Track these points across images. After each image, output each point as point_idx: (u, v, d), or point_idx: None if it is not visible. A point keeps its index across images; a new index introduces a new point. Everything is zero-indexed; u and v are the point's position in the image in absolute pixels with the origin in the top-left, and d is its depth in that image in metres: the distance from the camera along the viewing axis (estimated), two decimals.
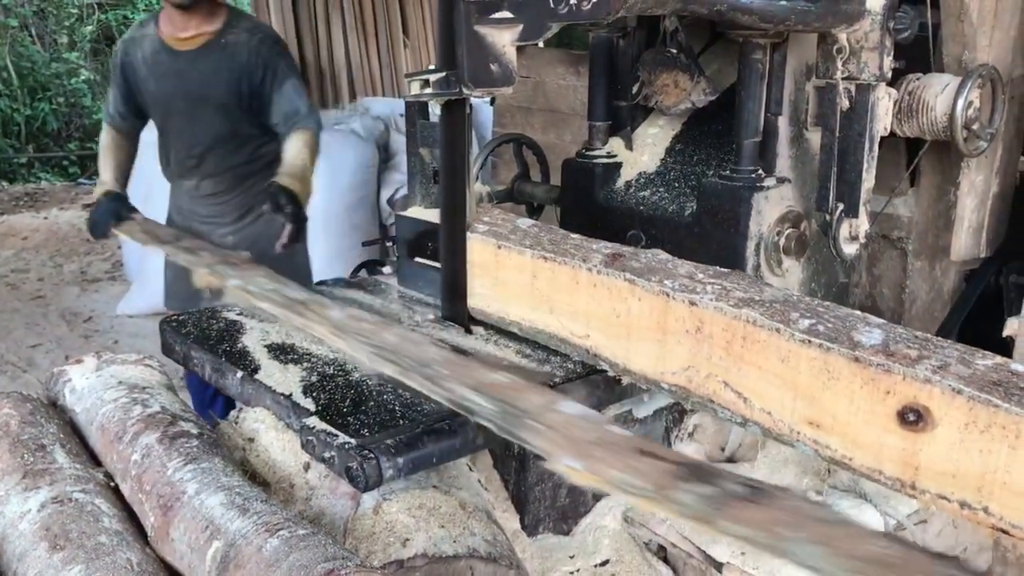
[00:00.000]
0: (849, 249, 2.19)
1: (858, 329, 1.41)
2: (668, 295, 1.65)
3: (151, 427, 1.58)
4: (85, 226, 3.14)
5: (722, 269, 1.68)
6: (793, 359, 1.45)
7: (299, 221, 2.88)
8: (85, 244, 7.07)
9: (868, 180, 2.13)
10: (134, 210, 2.98)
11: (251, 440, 1.73)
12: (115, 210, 2.94)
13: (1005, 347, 2.41)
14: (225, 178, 3.20)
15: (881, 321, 1.44)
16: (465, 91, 1.82)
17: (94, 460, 1.69)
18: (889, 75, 2.12)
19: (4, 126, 10.00)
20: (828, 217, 2.16)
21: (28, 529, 1.42)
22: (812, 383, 1.45)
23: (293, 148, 3.01)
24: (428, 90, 1.90)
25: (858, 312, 1.48)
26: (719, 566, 1.82)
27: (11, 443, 1.62)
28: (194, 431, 1.57)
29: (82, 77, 10.72)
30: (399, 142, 5.71)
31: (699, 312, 1.59)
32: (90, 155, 9.48)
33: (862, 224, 2.15)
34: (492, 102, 5.20)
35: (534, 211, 3.02)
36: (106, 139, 3.26)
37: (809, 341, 1.42)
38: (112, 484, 1.59)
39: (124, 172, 3.21)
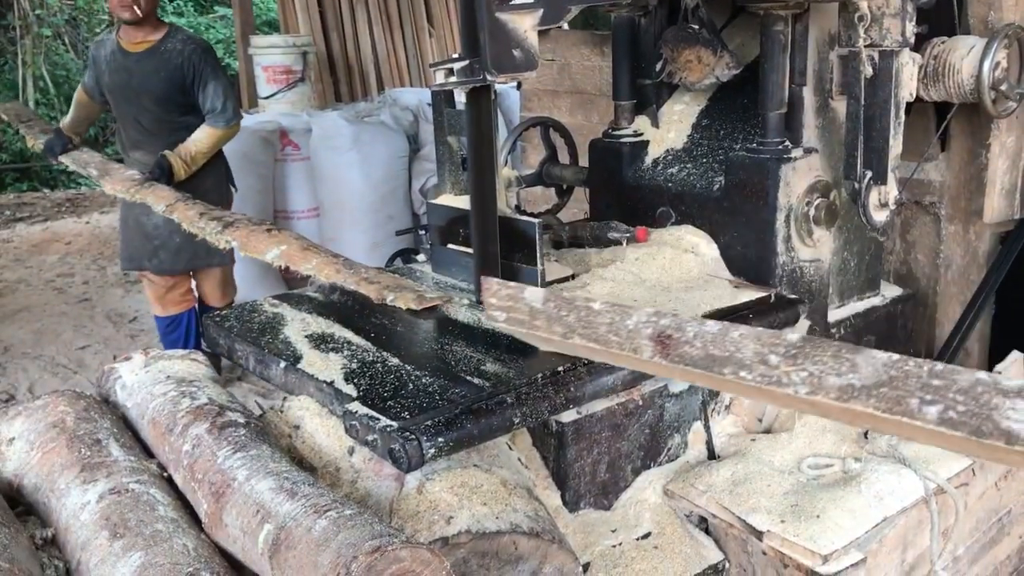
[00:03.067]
0: (879, 216, 2.19)
1: (999, 409, 1.00)
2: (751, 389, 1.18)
3: (200, 418, 1.63)
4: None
5: (791, 339, 1.17)
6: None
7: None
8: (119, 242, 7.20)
9: (896, 147, 2.13)
10: (76, 147, 3.77)
11: (296, 427, 1.78)
12: (63, 144, 3.74)
13: None
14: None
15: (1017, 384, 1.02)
16: (489, 77, 1.85)
17: (146, 452, 1.75)
18: (912, 40, 2.12)
19: None
20: (857, 185, 2.16)
21: (89, 519, 1.48)
22: None
23: (196, 135, 3.81)
24: (453, 78, 1.93)
25: (981, 374, 1.03)
26: (759, 535, 1.84)
27: (68, 439, 1.68)
28: (241, 420, 1.62)
29: None
30: (428, 132, 5.73)
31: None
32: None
33: (891, 191, 2.15)
34: (519, 87, 5.23)
35: (563, 193, 3.05)
36: (76, 96, 4.12)
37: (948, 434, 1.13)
38: (165, 474, 1.64)
39: (77, 124, 4.01)
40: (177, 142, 3.80)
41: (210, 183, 3.96)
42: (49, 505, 1.59)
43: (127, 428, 1.81)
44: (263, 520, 1.31)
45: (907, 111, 2.26)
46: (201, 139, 3.83)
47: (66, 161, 3.74)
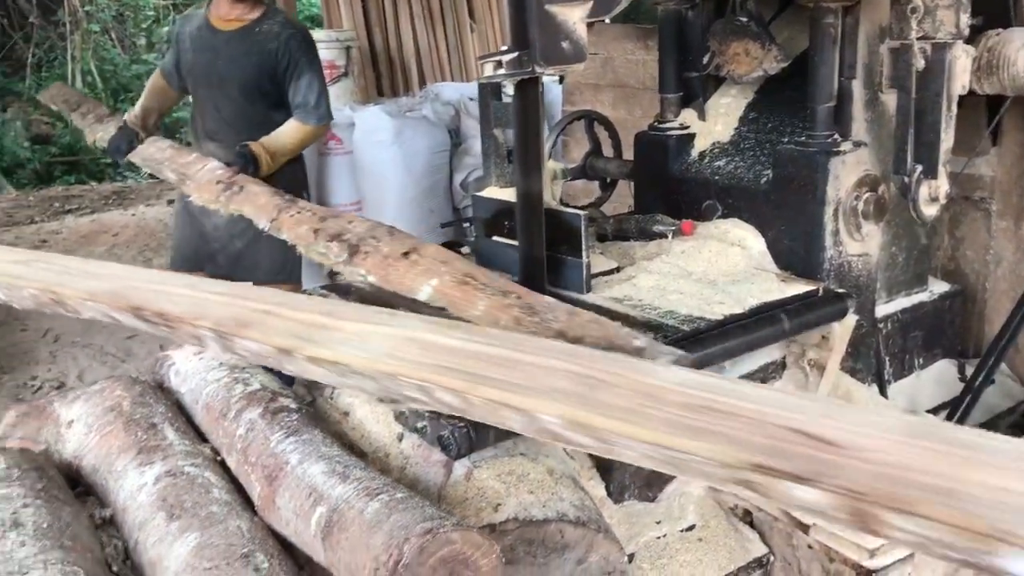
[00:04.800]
0: (929, 211, 2.17)
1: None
2: None
3: (253, 404, 1.66)
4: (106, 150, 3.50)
5: None
6: None
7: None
8: (172, 238, 7.32)
9: (947, 140, 2.11)
10: (142, 142, 3.23)
11: (346, 414, 1.81)
12: (129, 141, 3.30)
13: None
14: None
15: None
16: (538, 69, 1.86)
17: (200, 437, 1.78)
18: (967, 32, 2.09)
19: None
20: (907, 179, 2.14)
21: (146, 500, 1.52)
22: None
23: (283, 129, 3.35)
24: (501, 71, 1.94)
25: None
26: (805, 528, 1.84)
27: (125, 422, 1.72)
28: (293, 406, 1.65)
29: None
30: (469, 126, 5.75)
31: None
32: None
33: (942, 185, 2.13)
34: (561, 80, 5.23)
35: (607, 186, 3.05)
36: (150, 81, 3.70)
37: None
38: (218, 458, 1.68)
39: (148, 114, 3.59)
40: (257, 137, 3.33)
41: (287, 187, 3.55)
42: (107, 486, 1.63)
43: (181, 413, 1.85)
44: (316, 503, 1.34)
45: (958, 105, 2.23)
46: (289, 134, 3.36)
47: (135, 161, 3.22)
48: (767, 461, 0.98)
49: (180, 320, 1.53)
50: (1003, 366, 2.73)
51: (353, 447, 1.72)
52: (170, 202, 3.57)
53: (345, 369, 1.31)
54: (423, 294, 1.72)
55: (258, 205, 2.31)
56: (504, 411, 1.14)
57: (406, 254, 1.80)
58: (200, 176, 2.64)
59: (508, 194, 2.30)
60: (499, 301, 1.60)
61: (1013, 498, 0.89)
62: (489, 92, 2.37)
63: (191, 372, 1.94)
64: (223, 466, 1.66)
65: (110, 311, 1.59)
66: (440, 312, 1.66)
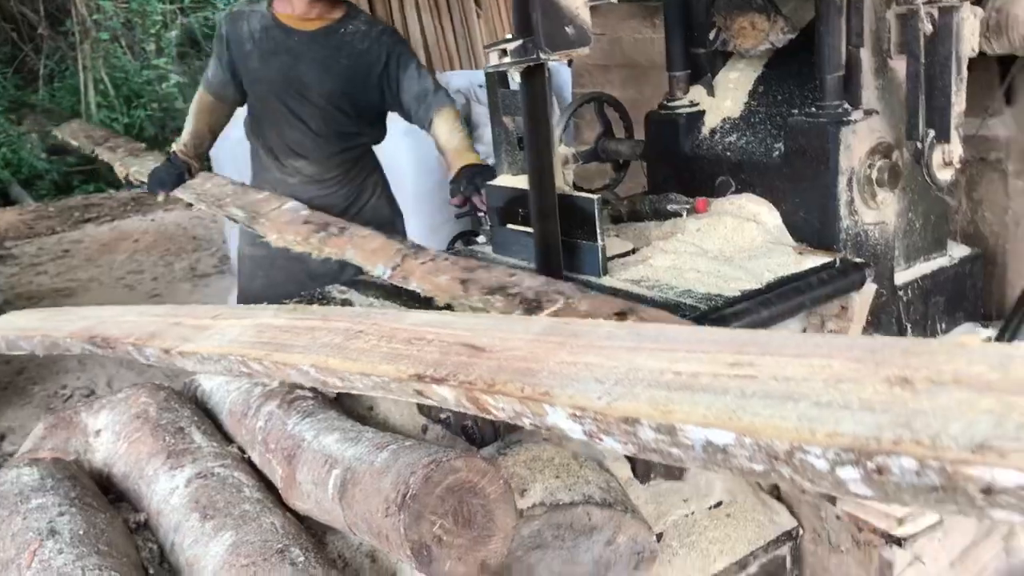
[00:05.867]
0: (944, 176, 2.16)
1: None
2: None
3: (271, 398, 1.69)
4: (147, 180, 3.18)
5: None
6: None
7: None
8: (192, 242, 7.37)
9: (958, 104, 2.09)
10: (193, 176, 3.10)
11: (370, 408, 1.83)
12: (178, 174, 3.06)
13: None
14: (331, 164, 3.09)
15: None
16: (543, 56, 1.87)
17: (227, 441, 1.81)
18: None
19: None
20: (919, 145, 2.13)
21: (179, 503, 1.55)
22: None
23: (443, 129, 2.91)
24: (507, 59, 1.95)
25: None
26: (833, 499, 1.84)
27: (152, 428, 1.75)
28: (310, 395, 1.68)
29: (172, 81, 11.09)
30: (480, 113, 5.75)
31: None
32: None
33: (955, 149, 2.11)
34: (570, 64, 5.21)
35: (619, 168, 3.05)
36: (196, 103, 3.19)
37: None
38: (246, 456, 1.70)
39: (202, 140, 3.16)
40: (347, 149, 3.07)
41: (386, 206, 3.26)
42: (139, 491, 1.66)
43: (207, 417, 1.87)
44: (331, 468, 1.37)
45: (969, 67, 2.21)
46: (451, 129, 2.90)
47: (184, 197, 3.02)
48: (425, 371, 1.22)
49: (117, 340, 1.83)
50: None
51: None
52: (189, 206, 3.24)
53: (200, 357, 1.61)
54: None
55: (369, 250, 2.17)
56: (286, 369, 1.45)
57: (621, 315, 1.62)
58: (277, 216, 2.47)
59: (521, 181, 2.31)
60: None
61: (567, 368, 1.10)
62: (496, 80, 2.37)
63: (215, 387, 1.96)
64: (251, 465, 1.69)
65: (81, 344, 1.96)
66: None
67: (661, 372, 1.00)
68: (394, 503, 1.24)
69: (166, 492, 1.59)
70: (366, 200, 3.17)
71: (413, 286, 2.00)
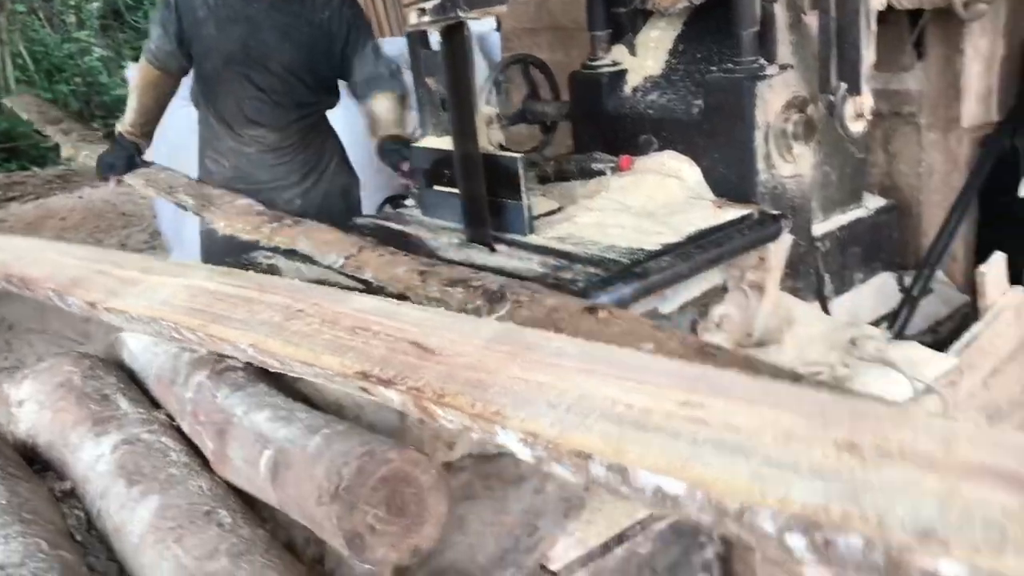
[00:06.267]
0: (856, 127, 2.22)
1: None
2: None
3: (200, 367, 1.68)
4: (95, 166, 3.03)
5: None
6: None
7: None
8: (122, 218, 7.22)
9: (868, 57, 2.15)
10: (146, 164, 3.00)
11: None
12: (128, 156, 2.96)
13: (1022, 207, 2.44)
14: (289, 132, 3.00)
15: None
16: (461, 14, 1.87)
17: (155, 407, 1.80)
18: None
19: None
20: (832, 98, 2.19)
21: (105, 469, 1.54)
22: None
23: (384, 106, 2.92)
24: (426, 18, 1.95)
25: None
26: None
27: (77, 396, 1.73)
28: (239, 365, 1.67)
29: (95, 55, 10.78)
30: (412, 81, 5.72)
31: None
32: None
33: (866, 101, 2.17)
34: (499, 27, 5.20)
35: (547, 129, 3.07)
36: (139, 78, 3.04)
37: None
38: (174, 423, 1.70)
39: (149, 115, 3.03)
40: (305, 117, 3.00)
41: (343, 172, 3.24)
42: (65, 460, 1.65)
43: (134, 383, 1.86)
44: (263, 447, 1.38)
45: (880, 20, 2.27)
46: (390, 108, 2.90)
47: (134, 183, 2.91)
48: (372, 369, 1.22)
49: (36, 283, 1.80)
50: (942, 275, 2.82)
51: (308, 400, 1.75)
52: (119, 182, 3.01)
53: (129, 316, 1.60)
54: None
55: (322, 240, 2.10)
56: (223, 344, 1.45)
57: (591, 310, 1.53)
58: (229, 207, 2.43)
59: (445, 143, 2.31)
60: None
61: (519, 385, 1.09)
62: (417, 41, 2.37)
63: (141, 349, 1.95)
64: (179, 431, 1.69)
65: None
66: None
67: (613, 403, 1.00)
68: (327, 493, 1.25)
69: (92, 459, 1.58)
70: (325, 165, 3.12)
71: (368, 276, 1.94)
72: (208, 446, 1.57)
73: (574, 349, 1.18)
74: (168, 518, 1.40)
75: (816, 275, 2.46)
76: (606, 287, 1.87)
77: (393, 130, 2.86)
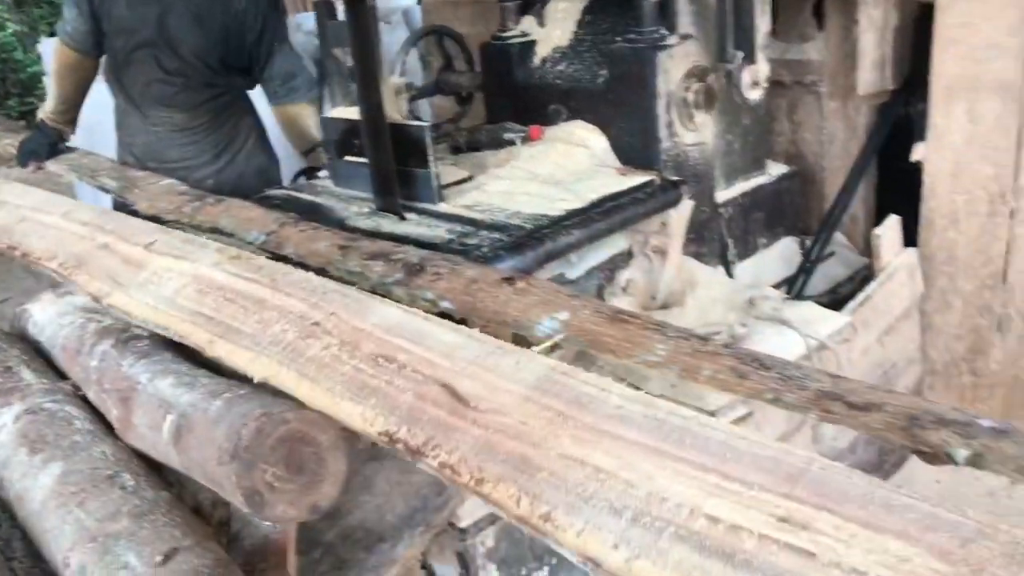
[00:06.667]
0: (753, 95, 2.30)
1: None
2: None
3: (105, 337, 1.69)
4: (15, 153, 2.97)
5: None
6: None
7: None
8: None
9: (763, 26, 2.23)
10: (69, 150, 2.93)
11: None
12: (51, 143, 2.90)
13: (917, 172, 2.56)
14: (199, 112, 2.95)
15: None
16: None
17: (61, 378, 1.80)
18: None
19: None
20: (730, 67, 2.26)
21: (7, 439, 1.55)
22: None
23: (312, 122, 2.91)
24: None
25: None
26: None
27: None
28: (145, 334, 1.68)
29: (9, 31, 10.44)
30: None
31: None
32: (32, 109, 9.30)
33: (762, 69, 2.26)
34: (419, 1, 5.19)
35: (463, 101, 3.10)
36: (56, 62, 2.96)
37: None
38: (79, 393, 1.71)
39: (70, 101, 2.97)
40: (218, 96, 2.92)
41: (260, 151, 3.15)
42: None
43: (39, 355, 1.86)
44: (166, 412, 1.40)
45: None
46: (315, 120, 2.86)
47: (57, 169, 2.85)
48: (398, 429, 1.12)
49: (39, 260, 1.79)
50: (843, 239, 2.93)
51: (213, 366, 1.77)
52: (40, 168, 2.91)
53: (133, 315, 1.59)
54: (545, 328, 1.43)
55: (245, 218, 2.09)
56: (235, 361, 1.40)
57: (509, 280, 1.54)
58: (152, 188, 2.40)
59: (354, 112, 2.33)
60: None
61: (573, 471, 0.92)
62: (324, 12, 2.38)
63: (47, 320, 1.94)
64: (84, 400, 1.70)
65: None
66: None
67: (691, 512, 0.83)
68: (227, 453, 1.28)
69: None
70: (240, 146, 3.06)
71: (289, 252, 1.92)
72: (113, 413, 1.58)
73: (637, 410, 0.98)
74: (71, 483, 1.42)
75: (720, 240, 2.54)
76: (509, 252, 1.92)
77: (315, 138, 2.86)
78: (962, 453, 1.00)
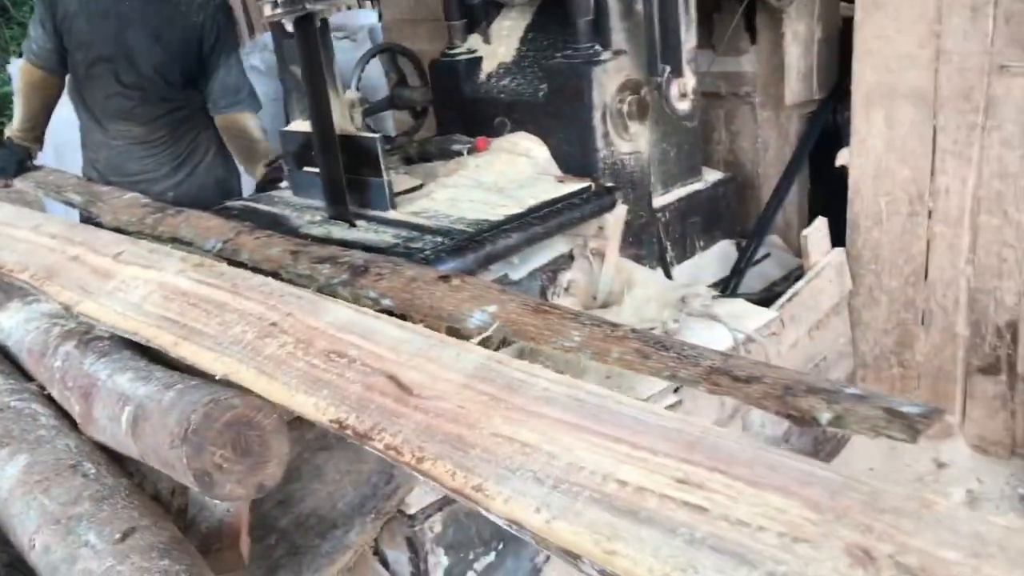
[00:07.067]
0: (682, 106, 2.44)
1: None
2: None
3: (68, 339, 1.80)
4: None
5: None
6: None
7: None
8: None
9: (689, 41, 2.37)
10: (36, 168, 2.96)
11: None
12: (18, 160, 2.93)
13: (844, 176, 2.71)
14: (157, 125, 3.01)
15: None
16: (309, 6, 2.02)
17: (27, 379, 1.91)
18: None
19: None
20: (659, 79, 2.40)
21: None
22: None
23: (256, 133, 3.01)
24: (278, 10, 2.10)
25: None
26: None
27: None
28: (106, 335, 1.80)
29: None
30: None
31: None
32: (1, 129, 9.31)
33: (689, 82, 2.40)
34: (380, 18, 5.32)
35: (418, 115, 3.23)
36: (22, 80, 3.03)
37: None
38: (45, 392, 1.81)
39: (37, 119, 3.02)
40: (176, 110, 2.98)
41: (220, 164, 3.17)
42: None
43: (7, 359, 1.96)
44: (124, 404, 1.51)
45: (716, 8, 2.49)
46: (259, 131, 3.00)
47: (24, 187, 2.88)
48: (347, 417, 1.22)
49: (11, 273, 1.88)
50: (779, 241, 3.09)
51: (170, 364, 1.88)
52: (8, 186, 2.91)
53: (102, 323, 1.67)
54: (476, 320, 1.51)
55: (203, 227, 2.16)
56: (198, 361, 1.49)
57: (445, 278, 1.63)
58: (116, 201, 2.46)
59: (310, 126, 2.45)
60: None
61: (502, 448, 1.03)
62: (281, 31, 2.50)
63: (14, 327, 2.04)
64: (49, 399, 1.80)
65: None
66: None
67: (604, 478, 0.94)
68: (178, 437, 1.39)
69: None
70: (199, 159, 3.12)
71: (244, 258, 2.02)
72: (76, 408, 1.69)
73: (562, 391, 1.11)
74: (35, 473, 1.53)
75: (659, 244, 2.68)
76: (451, 254, 2.05)
77: (260, 139, 2.99)
78: (826, 416, 1.13)
